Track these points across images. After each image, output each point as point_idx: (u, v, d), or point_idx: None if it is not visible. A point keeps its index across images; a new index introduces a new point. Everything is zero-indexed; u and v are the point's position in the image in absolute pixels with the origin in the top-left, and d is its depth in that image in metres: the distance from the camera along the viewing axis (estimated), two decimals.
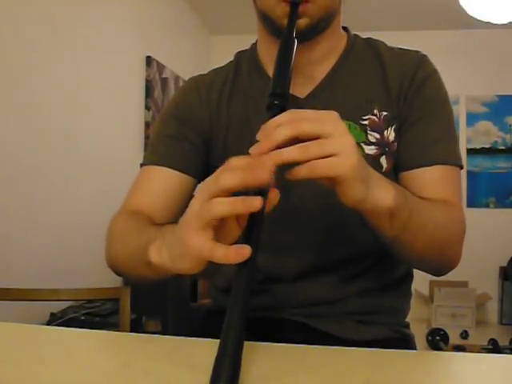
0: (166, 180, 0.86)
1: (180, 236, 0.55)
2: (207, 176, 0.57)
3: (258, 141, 0.56)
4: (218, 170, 0.53)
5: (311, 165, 0.54)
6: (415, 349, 0.92)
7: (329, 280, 0.85)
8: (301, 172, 0.55)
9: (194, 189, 0.88)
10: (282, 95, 0.63)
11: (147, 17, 3.05)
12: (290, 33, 0.71)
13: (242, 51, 0.95)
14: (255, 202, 0.50)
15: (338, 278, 0.85)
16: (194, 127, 0.88)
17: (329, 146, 0.54)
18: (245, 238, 0.54)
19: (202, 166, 0.89)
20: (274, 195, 0.53)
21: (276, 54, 0.69)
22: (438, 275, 0.81)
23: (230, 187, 0.51)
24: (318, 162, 0.54)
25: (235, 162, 0.53)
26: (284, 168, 0.55)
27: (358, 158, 0.56)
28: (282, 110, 0.60)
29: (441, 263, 0.79)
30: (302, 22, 0.76)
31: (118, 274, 0.82)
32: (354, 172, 0.56)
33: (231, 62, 0.94)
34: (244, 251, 0.50)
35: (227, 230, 0.55)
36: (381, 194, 0.62)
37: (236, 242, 0.55)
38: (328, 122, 0.56)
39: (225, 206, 0.51)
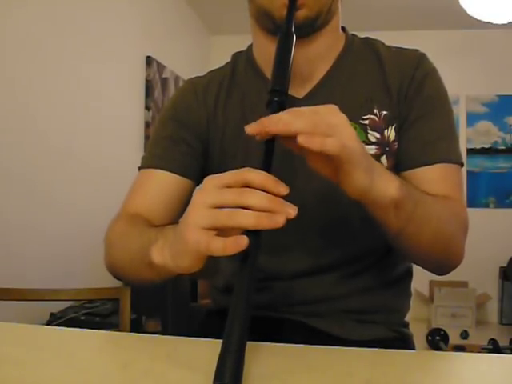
0: (163, 183, 0.86)
1: (180, 232, 0.56)
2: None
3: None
4: (232, 176, 0.53)
5: (319, 137, 0.53)
6: (414, 348, 0.92)
7: (328, 278, 0.85)
8: (300, 139, 0.53)
9: (192, 191, 0.88)
10: (281, 91, 0.63)
11: (147, 17, 3.05)
12: (289, 28, 0.71)
13: (239, 52, 0.95)
14: (280, 220, 0.51)
15: (337, 277, 0.85)
16: (192, 129, 0.88)
17: (331, 131, 0.54)
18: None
19: (200, 168, 0.89)
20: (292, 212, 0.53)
21: (274, 52, 0.68)
22: (441, 273, 0.80)
23: (252, 207, 0.51)
24: (324, 138, 0.53)
25: (255, 176, 0.53)
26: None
27: (361, 146, 0.57)
28: (282, 106, 0.60)
29: (444, 260, 0.78)
30: (301, 13, 0.76)
31: (118, 278, 0.82)
32: (356, 155, 0.56)
33: (228, 63, 0.94)
34: (242, 241, 0.50)
35: (228, 230, 0.55)
36: (385, 185, 0.62)
37: None
38: (328, 117, 0.56)
39: (251, 220, 0.51)
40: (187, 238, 0.54)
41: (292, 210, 0.52)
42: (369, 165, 0.60)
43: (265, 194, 0.52)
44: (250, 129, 0.55)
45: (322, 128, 0.54)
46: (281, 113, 0.57)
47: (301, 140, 0.53)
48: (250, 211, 0.51)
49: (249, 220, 0.51)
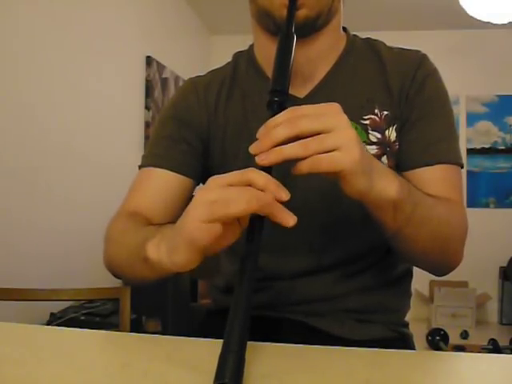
0: (164, 182, 0.86)
1: (179, 226, 0.56)
2: (206, 177, 0.57)
3: (257, 139, 0.56)
4: (235, 176, 0.54)
5: (314, 160, 0.54)
6: (414, 348, 0.92)
7: (328, 277, 0.85)
8: (303, 167, 0.55)
9: (192, 190, 0.88)
10: (281, 92, 0.63)
11: (147, 17, 3.05)
12: (289, 28, 0.71)
13: (240, 52, 0.95)
14: (290, 219, 0.52)
15: (337, 276, 0.85)
16: (193, 128, 0.88)
17: (330, 141, 0.54)
18: (247, 237, 0.54)
19: (200, 168, 0.89)
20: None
21: (274, 52, 0.68)
22: (439, 275, 0.81)
23: (253, 210, 0.52)
24: (320, 157, 0.54)
25: (258, 176, 0.53)
26: (285, 168, 0.55)
27: (361, 151, 0.56)
28: (282, 106, 0.60)
29: (442, 261, 0.78)
30: (301, 13, 0.76)
31: (116, 275, 0.82)
32: (356, 166, 0.56)
33: (229, 63, 0.94)
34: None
35: (229, 230, 0.55)
36: (384, 186, 0.62)
37: (238, 242, 0.56)
38: (329, 117, 0.56)
39: (265, 205, 0.51)
40: (185, 230, 0.54)
41: (291, 219, 0.52)
42: (368, 166, 0.59)
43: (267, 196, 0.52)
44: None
45: (315, 146, 0.54)
46: (279, 114, 0.57)
47: (307, 167, 0.54)
48: (267, 195, 0.52)
49: (264, 206, 0.51)
